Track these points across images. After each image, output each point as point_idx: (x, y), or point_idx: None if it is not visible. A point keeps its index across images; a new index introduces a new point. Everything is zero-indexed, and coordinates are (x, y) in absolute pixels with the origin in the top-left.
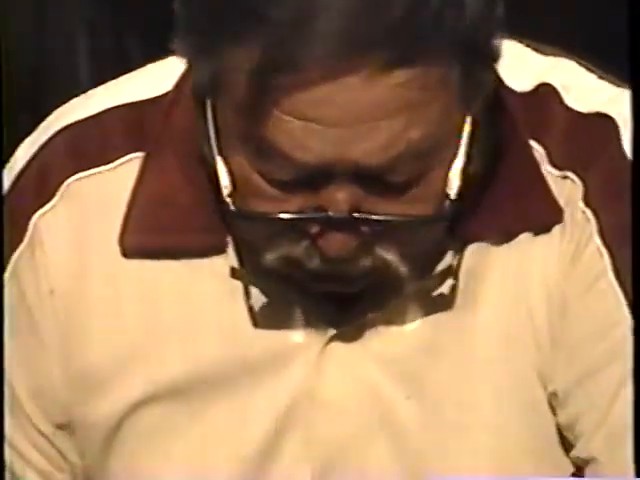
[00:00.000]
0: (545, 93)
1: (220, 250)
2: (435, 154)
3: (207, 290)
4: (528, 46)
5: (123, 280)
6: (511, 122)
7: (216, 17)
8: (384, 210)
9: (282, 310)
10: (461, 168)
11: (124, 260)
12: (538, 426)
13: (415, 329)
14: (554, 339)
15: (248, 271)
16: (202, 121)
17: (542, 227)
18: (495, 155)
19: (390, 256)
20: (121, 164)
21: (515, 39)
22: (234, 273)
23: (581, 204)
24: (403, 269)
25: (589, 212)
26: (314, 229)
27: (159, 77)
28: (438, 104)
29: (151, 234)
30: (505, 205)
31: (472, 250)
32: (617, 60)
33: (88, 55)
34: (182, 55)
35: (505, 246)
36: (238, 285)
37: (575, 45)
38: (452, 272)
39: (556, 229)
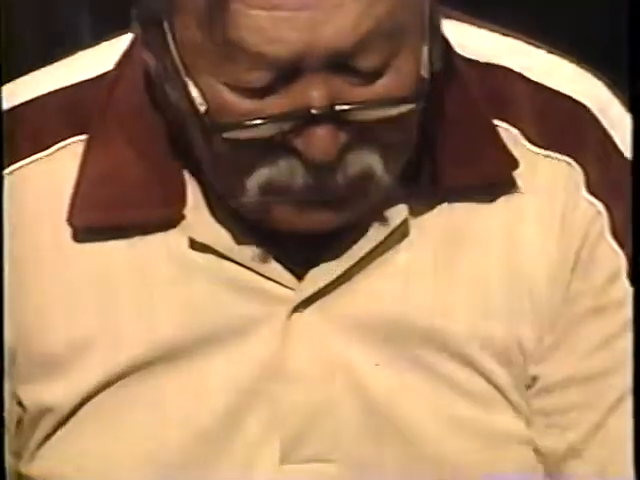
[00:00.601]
0: (503, 73)
1: (175, 223)
2: (402, 35)
3: (162, 266)
4: (473, 24)
5: (76, 264)
6: (464, 91)
7: None
8: (362, 99)
9: (244, 274)
10: (429, 50)
11: (76, 244)
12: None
13: (384, 292)
14: (552, 323)
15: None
16: (159, 53)
17: (495, 177)
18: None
19: (373, 159)
20: (59, 149)
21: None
22: (192, 244)
23: (585, 192)
24: (386, 176)
25: (600, 205)
26: (293, 135)
27: (101, 58)
28: None
29: (102, 210)
30: (458, 159)
31: (442, 210)
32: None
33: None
34: None
35: (482, 210)
36: (193, 259)
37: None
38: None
39: (555, 207)
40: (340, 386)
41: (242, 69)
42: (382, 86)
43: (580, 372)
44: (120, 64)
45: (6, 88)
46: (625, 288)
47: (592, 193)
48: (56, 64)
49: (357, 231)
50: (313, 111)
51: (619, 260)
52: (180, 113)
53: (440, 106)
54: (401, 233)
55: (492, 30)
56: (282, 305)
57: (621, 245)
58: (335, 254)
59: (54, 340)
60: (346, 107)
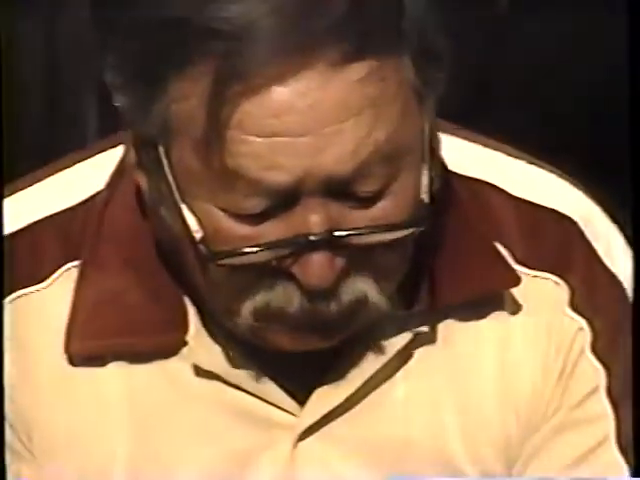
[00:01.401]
0: (487, 190)
1: (176, 350)
2: (401, 158)
3: (162, 394)
4: (453, 134)
5: (74, 389)
6: (455, 199)
7: (152, 55)
8: (359, 226)
9: (245, 402)
10: (429, 172)
11: (74, 369)
12: None
13: (385, 417)
14: (530, 436)
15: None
16: (154, 176)
17: (501, 288)
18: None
19: (368, 287)
20: (56, 278)
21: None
22: (197, 371)
23: (568, 309)
24: (381, 301)
25: (582, 321)
26: (290, 261)
27: (89, 176)
28: (398, 102)
29: (98, 338)
30: (459, 275)
31: (451, 328)
32: None
33: (96, 111)
34: (128, 111)
35: (478, 328)
36: (196, 386)
37: None
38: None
39: (541, 325)
40: None
41: (239, 196)
42: (380, 210)
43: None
44: (110, 184)
45: (7, 203)
46: (603, 403)
47: (575, 309)
48: (51, 179)
49: (357, 353)
50: (311, 237)
51: (598, 376)
52: (174, 236)
53: (437, 223)
54: (402, 359)
55: (472, 140)
56: (285, 432)
57: (601, 361)
58: (335, 377)
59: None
60: (345, 233)
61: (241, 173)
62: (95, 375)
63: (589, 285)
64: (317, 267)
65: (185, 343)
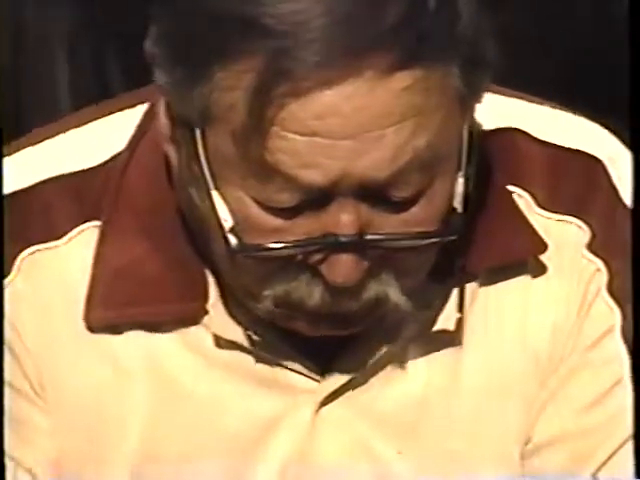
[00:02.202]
0: (512, 136)
1: (197, 319)
2: (438, 165)
3: (182, 363)
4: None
5: (91, 354)
6: (482, 160)
7: (201, 37)
8: (391, 229)
9: (267, 374)
10: (464, 180)
11: (91, 335)
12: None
13: (405, 382)
14: (548, 378)
15: (241, 322)
16: (185, 155)
17: (526, 258)
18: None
19: (390, 286)
20: (74, 236)
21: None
22: (217, 341)
23: (586, 251)
24: (402, 300)
25: (599, 261)
26: (316, 257)
27: (107, 136)
28: (441, 110)
29: (118, 307)
30: (486, 240)
31: (467, 291)
32: None
33: (68, 84)
34: (167, 87)
35: (503, 288)
36: (218, 355)
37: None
38: (453, 307)
39: (564, 273)
40: (366, 475)
41: (273, 189)
42: (413, 215)
43: (569, 430)
44: (131, 145)
45: (14, 158)
46: (618, 345)
47: (593, 251)
48: (67, 134)
49: (383, 326)
50: (341, 238)
51: (614, 317)
52: (201, 217)
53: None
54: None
55: (496, 92)
56: (307, 397)
57: (617, 301)
58: (357, 346)
59: (64, 434)
60: (375, 237)
61: (278, 168)
62: (114, 341)
63: (609, 227)
64: (344, 267)
65: (206, 312)
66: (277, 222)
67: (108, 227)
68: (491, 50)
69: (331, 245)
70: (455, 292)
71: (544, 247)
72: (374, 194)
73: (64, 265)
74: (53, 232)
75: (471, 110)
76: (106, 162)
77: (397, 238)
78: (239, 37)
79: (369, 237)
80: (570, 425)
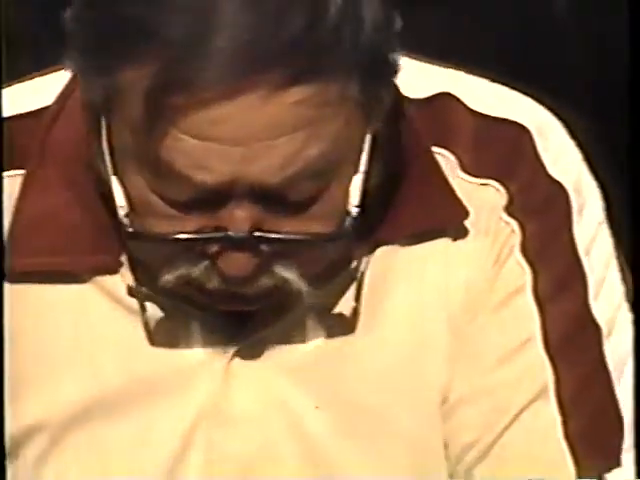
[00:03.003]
0: (445, 100)
1: (112, 271)
2: (334, 171)
3: (101, 311)
4: (415, 59)
5: (14, 304)
6: (409, 129)
7: (107, 35)
8: (285, 228)
9: (181, 328)
10: (361, 184)
11: (13, 285)
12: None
13: (319, 340)
14: (460, 346)
15: (145, 290)
16: (95, 139)
17: (446, 226)
18: (396, 165)
19: (290, 274)
20: None
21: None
22: (130, 291)
23: (503, 214)
24: (303, 286)
25: (514, 223)
26: (213, 249)
27: (40, 91)
28: (337, 121)
29: (36, 256)
30: (408, 207)
31: (380, 256)
32: None
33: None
34: (76, 70)
35: (418, 251)
36: (133, 304)
37: None
38: (355, 291)
39: (478, 235)
40: (280, 429)
41: (167, 184)
42: (308, 215)
43: (479, 387)
44: (60, 100)
45: None
46: (528, 303)
47: (509, 213)
48: (16, 86)
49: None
50: (232, 234)
51: (524, 276)
52: (109, 192)
53: (390, 157)
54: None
55: (432, 63)
56: (223, 349)
57: (529, 261)
58: (272, 316)
59: None
60: (265, 236)
61: (172, 166)
62: (32, 290)
63: (528, 191)
64: (236, 262)
65: (121, 264)
66: (173, 212)
67: (31, 175)
68: (394, 56)
69: (222, 240)
70: (354, 282)
71: (465, 214)
72: (268, 197)
73: None
74: None
75: (374, 114)
76: (34, 112)
77: (288, 239)
78: (139, 42)
79: (259, 234)
80: (479, 382)
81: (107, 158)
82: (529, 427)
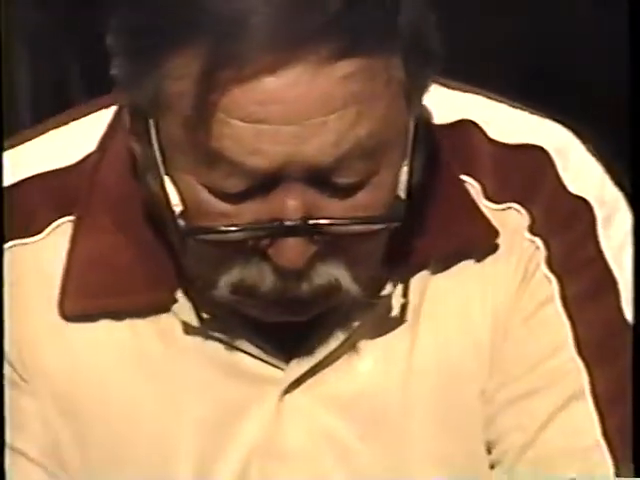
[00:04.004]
0: (466, 128)
1: (165, 309)
2: (383, 154)
3: (154, 349)
4: (435, 82)
5: (71, 347)
6: (437, 151)
7: (153, 30)
8: (337, 214)
9: (233, 360)
10: (409, 169)
11: (68, 326)
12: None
13: (365, 366)
14: (494, 361)
15: (198, 325)
16: (144, 145)
17: (478, 248)
18: (428, 173)
19: (340, 272)
20: (52, 231)
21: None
22: (186, 328)
23: (527, 233)
24: (354, 287)
25: (538, 240)
26: (266, 242)
27: (81, 136)
28: (384, 100)
29: (91, 297)
30: (440, 230)
31: (415, 281)
32: None
33: (29, 89)
34: (121, 79)
35: (447, 274)
36: (185, 343)
37: None
38: (399, 293)
39: (501, 256)
40: (330, 462)
41: (221, 175)
42: (358, 201)
43: (513, 395)
44: (102, 144)
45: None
46: (557, 312)
47: (533, 232)
48: (42, 137)
49: (340, 313)
50: (287, 223)
51: (551, 287)
52: (158, 204)
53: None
54: (384, 310)
55: (454, 87)
56: (273, 386)
57: (555, 273)
58: (320, 334)
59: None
60: (319, 222)
61: (224, 154)
62: (90, 330)
63: (549, 211)
64: (290, 251)
65: (175, 300)
66: (225, 207)
67: (81, 221)
68: (436, 40)
69: (277, 229)
70: (393, 285)
71: (496, 234)
72: (319, 179)
73: (40, 258)
74: (32, 228)
75: (416, 101)
76: (79, 162)
77: (341, 223)
78: (185, 25)
79: (313, 222)
80: (514, 389)
81: (159, 159)
82: (567, 426)
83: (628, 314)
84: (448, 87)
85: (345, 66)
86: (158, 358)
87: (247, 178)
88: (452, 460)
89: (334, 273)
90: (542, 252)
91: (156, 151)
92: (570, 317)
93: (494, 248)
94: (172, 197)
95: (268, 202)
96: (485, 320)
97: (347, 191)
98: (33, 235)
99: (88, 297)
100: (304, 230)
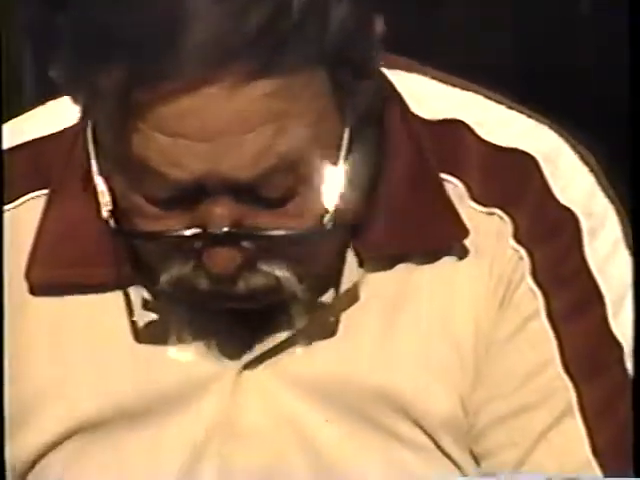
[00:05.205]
0: (456, 127)
1: (128, 283)
2: (309, 166)
3: (116, 324)
4: (434, 78)
5: (32, 318)
6: (417, 148)
7: (81, 43)
8: (265, 224)
9: (195, 337)
10: (339, 181)
11: (32, 297)
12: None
13: (329, 350)
14: (478, 373)
15: (157, 302)
16: (84, 140)
17: (448, 246)
18: (398, 178)
19: (281, 273)
20: (23, 202)
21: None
22: (146, 304)
23: (512, 241)
24: (297, 286)
25: (523, 250)
26: (197, 246)
27: (61, 112)
28: (308, 116)
29: (56, 268)
30: (407, 224)
31: (393, 272)
32: None
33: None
34: (59, 81)
35: (426, 271)
36: (148, 317)
37: None
38: (357, 293)
39: (484, 262)
40: (290, 443)
41: (146, 183)
42: (288, 211)
43: (503, 411)
44: (80, 120)
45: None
46: (543, 326)
47: (518, 241)
48: (24, 115)
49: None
50: (212, 231)
51: (536, 301)
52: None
53: (394, 171)
54: (351, 296)
55: (452, 84)
56: (233, 363)
57: (541, 286)
58: (283, 320)
59: (9, 394)
60: (244, 232)
61: (147, 164)
62: (52, 303)
63: (535, 219)
64: (219, 258)
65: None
66: (156, 211)
67: (56, 192)
68: (370, 51)
69: (203, 238)
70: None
71: (465, 233)
72: (244, 194)
73: (12, 228)
74: (10, 196)
75: (354, 110)
76: (59, 132)
77: (265, 235)
78: (107, 47)
79: (238, 231)
80: (503, 406)
81: (93, 158)
82: (557, 444)
83: (615, 328)
84: (447, 84)
85: (264, 85)
86: (119, 334)
87: (171, 188)
88: (428, 449)
89: (274, 273)
90: (526, 263)
91: (91, 151)
92: (556, 332)
93: (466, 249)
94: (102, 197)
95: (196, 210)
96: (467, 327)
97: (275, 203)
98: (7, 203)
99: (54, 267)
100: (230, 239)
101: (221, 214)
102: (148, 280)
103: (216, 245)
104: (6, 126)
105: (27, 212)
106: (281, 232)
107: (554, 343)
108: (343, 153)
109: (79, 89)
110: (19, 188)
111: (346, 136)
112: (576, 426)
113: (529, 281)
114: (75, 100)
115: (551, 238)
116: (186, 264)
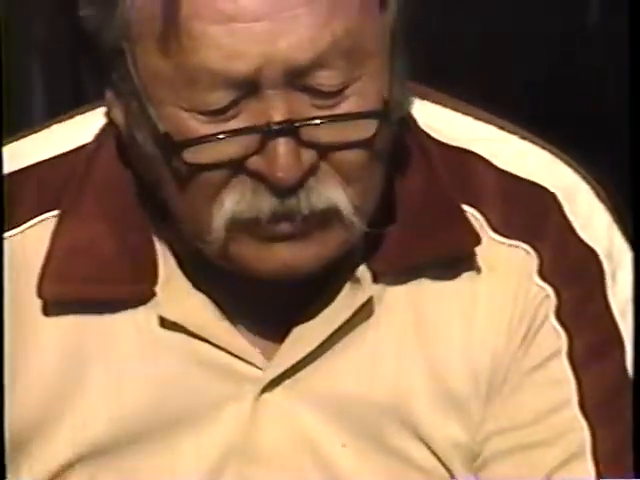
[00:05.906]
0: (471, 158)
1: (145, 300)
2: (362, 58)
3: (131, 343)
4: (447, 106)
5: (45, 338)
6: (429, 166)
7: None
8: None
9: (213, 353)
10: (390, 71)
11: (45, 318)
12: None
13: (347, 369)
14: (492, 403)
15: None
16: (126, 95)
17: (458, 250)
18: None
19: (338, 196)
20: (30, 226)
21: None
22: (162, 322)
23: (536, 277)
24: (354, 217)
25: (548, 288)
26: (257, 159)
27: (76, 131)
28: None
29: (70, 283)
30: (419, 236)
31: (409, 288)
32: None
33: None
34: (90, 18)
35: (445, 297)
36: (163, 337)
37: None
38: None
39: (507, 295)
40: (308, 466)
41: (202, 91)
42: (342, 110)
43: (514, 444)
44: (100, 138)
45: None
46: (564, 367)
47: (544, 278)
48: (31, 137)
49: (322, 306)
50: (273, 126)
51: (560, 341)
52: (149, 156)
53: (407, 182)
54: (367, 312)
55: (465, 113)
56: (251, 385)
57: (565, 326)
58: (300, 332)
59: (20, 415)
60: (306, 122)
61: (203, 65)
62: (65, 323)
63: (559, 255)
64: (282, 158)
65: (154, 294)
66: (211, 127)
67: (68, 212)
68: None
69: (263, 133)
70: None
71: (477, 240)
72: (301, 82)
73: (20, 252)
74: (14, 222)
75: (392, 13)
76: (71, 151)
77: (326, 123)
78: None
79: (299, 123)
80: (514, 439)
81: (142, 92)
82: None
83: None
84: (458, 111)
85: None
86: (134, 353)
87: (228, 88)
88: (442, 472)
89: (332, 197)
90: (552, 301)
91: (137, 84)
92: (575, 373)
93: (487, 273)
94: (160, 126)
95: (253, 113)
96: (485, 357)
97: (331, 97)
98: (14, 227)
99: (67, 283)
100: (291, 133)
101: (278, 109)
102: (198, 237)
103: (277, 145)
104: (7, 149)
105: (35, 235)
106: (342, 119)
107: (573, 384)
108: (387, 54)
109: (113, 17)
110: (25, 212)
111: (388, 37)
112: (586, 469)
113: (553, 320)
114: (114, 24)
115: (576, 277)
116: (243, 195)
